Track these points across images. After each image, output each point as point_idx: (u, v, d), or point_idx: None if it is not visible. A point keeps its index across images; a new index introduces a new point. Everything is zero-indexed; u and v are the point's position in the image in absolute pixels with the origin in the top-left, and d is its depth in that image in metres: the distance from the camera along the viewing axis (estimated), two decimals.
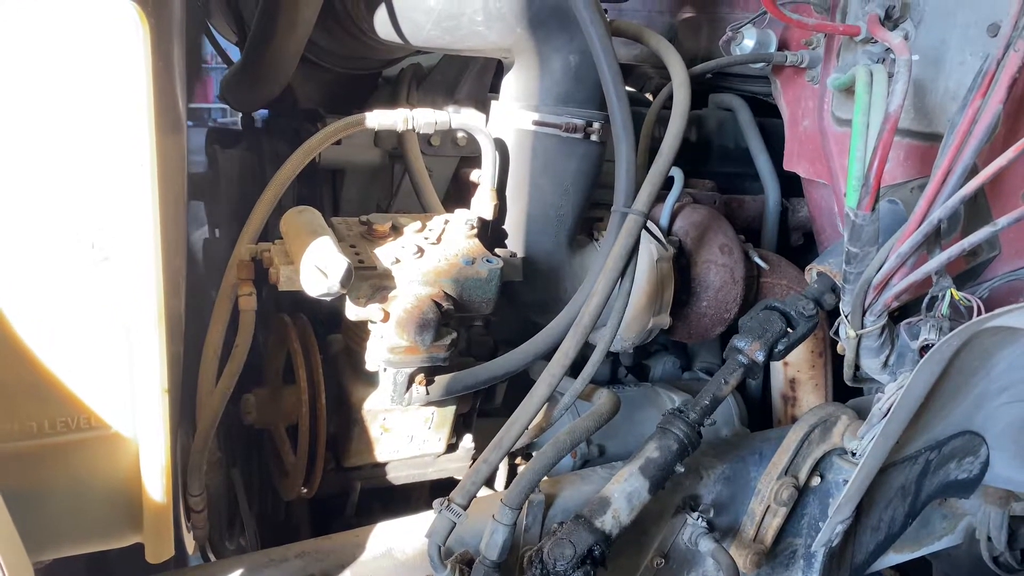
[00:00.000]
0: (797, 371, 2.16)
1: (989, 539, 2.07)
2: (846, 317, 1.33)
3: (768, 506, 1.70)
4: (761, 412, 2.29)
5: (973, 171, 1.55)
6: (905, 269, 1.23)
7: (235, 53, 2.46)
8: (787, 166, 2.03)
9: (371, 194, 1.91)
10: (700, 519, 1.66)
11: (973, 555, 2.25)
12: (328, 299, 1.26)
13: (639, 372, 2.25)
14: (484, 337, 1.81)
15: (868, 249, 1.26)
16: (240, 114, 2.18)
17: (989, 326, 1.13)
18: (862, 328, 1.32)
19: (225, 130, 2.22)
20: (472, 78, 1.95)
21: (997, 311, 1.04)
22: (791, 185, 2.23)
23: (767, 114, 2.34)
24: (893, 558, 2.20)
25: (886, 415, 1.27)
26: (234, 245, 1.46)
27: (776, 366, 2.20)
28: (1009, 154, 1.13)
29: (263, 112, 2.22)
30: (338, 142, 1.77)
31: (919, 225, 1.19)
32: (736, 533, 1.74)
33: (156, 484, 1.08)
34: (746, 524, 1.74)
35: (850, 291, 1.30)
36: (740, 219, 2.33)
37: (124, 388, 1.04)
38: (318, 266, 1.22)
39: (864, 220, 1.22)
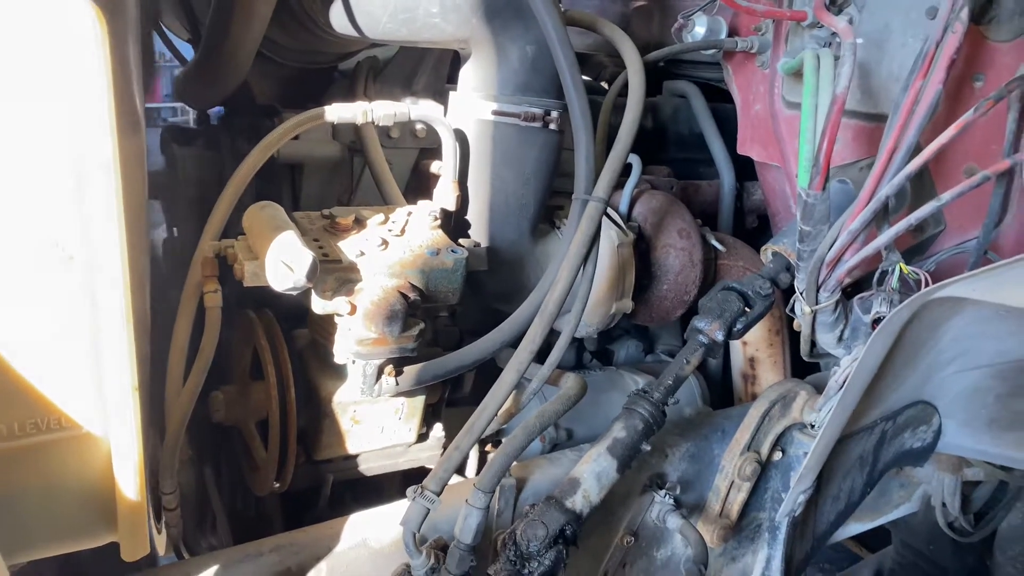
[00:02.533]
0: (756, 350, 2.22)
1: (944, 505, 2.15)
2: (801, 294, 1.38)
3: (732, 482, 1.75)
4: (722, 391, 2.34)
5: (917, 149, 1.62)
6: (856, 245, 1.28)
7: (186, 50, 2.45)
8: (740, 150, 2.08)
9: (331, 188, 1.92)
10: (667, 496, 1.70)
11: (929, 522, 2.33)
12: (294, 293, 1.26)
13: (603, 356, 2.29)
14: (450, 327, 1.83)
15: (820, 227, 1.30)
16: (193, 113, 2.17)
17: (936, 297, 1.17)
18: (816, 304, 1.36)
19: (181, 128, 2.20)
20: (429, 70, 1.96)
21: (943, 282, 1.08)
22: (745, 169, 2.29)
23: (720, 100, 2.39)
24: (853, 528, 2.27)
25: (842, 387, 1.32)
26: (194, 244, 1.45)
27: (735, 345, 2.25)
28: (950, 131, 1.18)
29: (218, 109, 2.21)
30: (296, 137, 1.78)
31: (868, 203, 1.24)
32: (702, 509, 1.79)
33: (129, 482, 1.08)
34: (711, 500, 1.79)
35: (804, 268, 1.35)
36: (696, 203, 2.37)
37: (93, 387, 1.04)
38: (284, 261, 1.22)
39: (815, 199, 1.26)
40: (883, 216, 1.33)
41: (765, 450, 1.74)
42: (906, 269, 1.31)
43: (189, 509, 1.50)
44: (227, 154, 1.91)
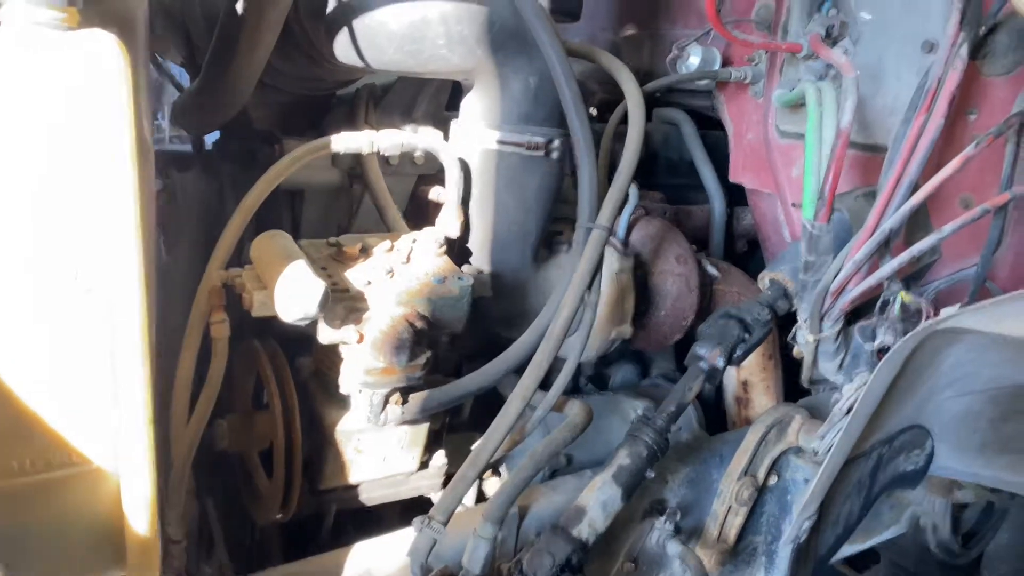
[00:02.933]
0: (749, 374, 2.24)
1: (934, 527, 2.18)
2: (804, 323, 1.40)
3: (730, 506, 1.76)
4: (715, 414, 2.36)
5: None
6: (860, 275, 1.30)
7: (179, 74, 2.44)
8: (732, 178, 2.11)
9: (331, 215, 1.92)
10: (667, 522, 1.70)
11: (919, 542, 2.35)
12: (304, 323, 1.26)
13: (598, 380, 2.29)
14: (448, 353, 1.83)
15: (824, 258, 1.32)
16: (187, 137, 2.16)
17: (941, 328, 1.20)
18: (820, 333, 1.38)
19: (178, 154, 2.19)
20: (429, 97, 1.97)
21: (950, 313, 1.11)
22: (734, 195, 2.32)
23: (709, 127, 2.43)
24: (844, 549, 2.29)
25: (847, 414, 1.33)
26: (189, 271, 1.44)
27: (729, 370, 2.27)
28: (954, 164, 1.21)
29: (213, 135, 2.20)
30: None
31: (871, 234, 1.26)
32: (700, 534, 1.79)
33: (140, 517, 1.07)
34: (709, 525, 1.79)
35: (808, 298, 1.37)
36: (688, 229, 2.40)
37: (107, 422, 1.02)
38: (294, 291, 1.22)
39: (820, 231, 1.29)
40: (885, 246, 1.35)
41: (762, 474, 1.75)
42: (907, 298, 1.34)
43: (191, 540, 1.48)
44: (225, 180, 1.90)
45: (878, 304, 1.37)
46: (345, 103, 2.06)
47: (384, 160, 1.93)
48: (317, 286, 1.23)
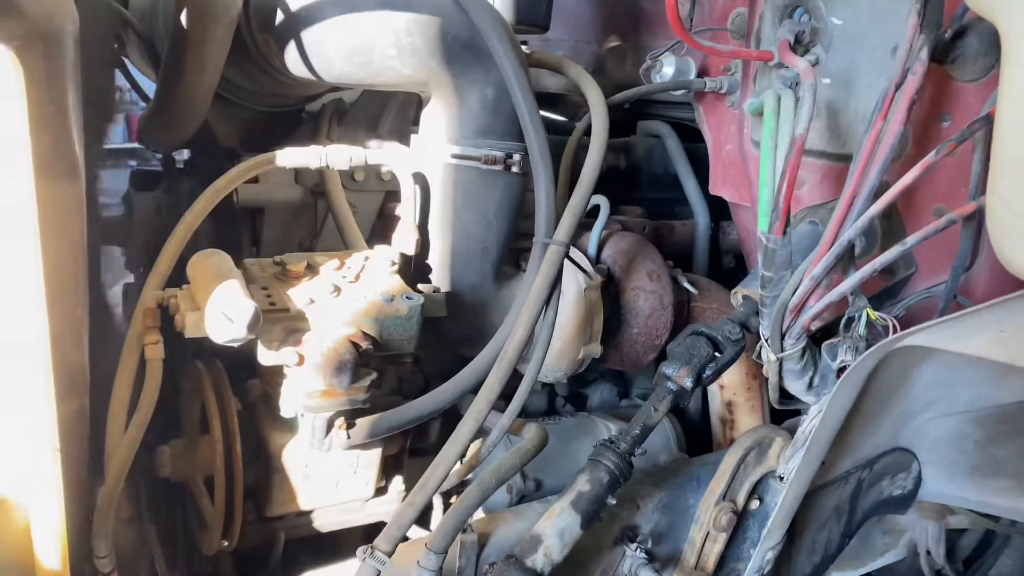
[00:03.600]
0: (733, 394, 2.16)
1: (928, 553, 2.08)
2: (766, 341, 1.33)
3: (708, 532, 1.68)
4: (701, 436, 2.28)
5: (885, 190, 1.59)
6: (820, 291, 1.23)
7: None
8: (713, 190, 2.05)
9: (293, 233, 1.87)
10: (638, 550, 1.63)
11: (917, 569, 2.26)
12: (236, 345, 1.21)
13: (577, 401, 2.23)
14: (414, 375, 1.77)
15: (782, 273, 1.26)
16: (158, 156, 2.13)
17: (903, 345, 1.13)
18: (782, 351, 1.31)
19: (145, 172, 2.16)
20: (394, 113, 1.93)
21: (907, 331, 1.04)
22: (722, 209, 2.25)
23: (694, 139, 2.37)
24: None
25: (807, 440, 1.26)
26: None
27: (713, 390, 2.20)
28: (914, 172, 1.14)
29: (185, 153, 2.17)
30: (255, 180, 1.74)
31: (831, 246, 1.20)
32: (678, 561, 1.72)
33: (50, 551, 1.02)
34: (687, 552, 1.72)
35: (768, 315, 1.30)
36: (671, 244, 2.34)
37: (9, 450, 0.98)
38: (223, 311, 1.17)
39: (776, 244, 1.22)
40: (849, 260, 1.28)
41: (741, 499, 1.67)
42: (873, 315, 1.26)
43: (131, 571, 1.43)
44: (185, 198, 1.86)
45: (843, 321, 1.29)
46: (313, 119, 2.02)
47: (350, 176, 1.89)
48: (247, 306, 1.18)
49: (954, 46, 1.33)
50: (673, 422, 2.08)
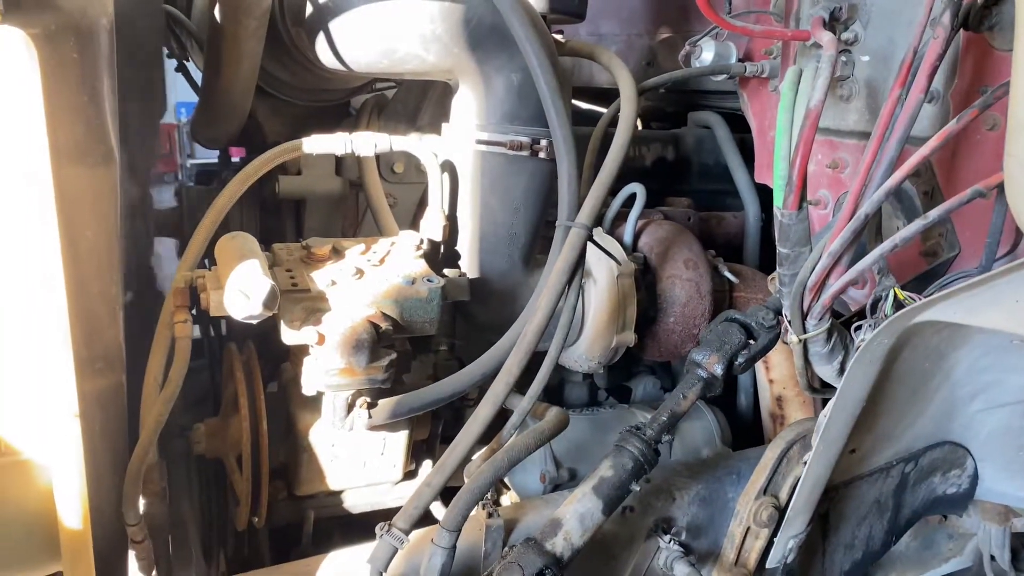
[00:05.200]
0: (783, 388, 2.09)
1: (993, 559, 1.96)
2: (788, 322, 1.28)
3: (748, 528, 1.63)
4: (753, 433, 2.22)
5: (928, 169, 1.51)
6: (840, 268, 1.18)
7: None
8: (758, 178, 1.99)
9: (334, 223, 1.92)
10: (672, 542, 1.60)
11: None
12: (254, 322, 1.25)
13: (620, 394, 2.20)
14: (449, 362, 1.79)
15: (799, 250, 1.21)
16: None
17: (924, 322, 1.07)
18: (804, 332, 1.26)
19: (204, 169, 2.26)
20: (433, 105, 1.96)
21: (917, 305, 0.99)
22: None
23: (747, 130, 2.31)
24: None
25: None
26: None
27: (763, 384, 2.13)
28: (933, 142, 1.09)
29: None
30: (298, 172, 1.79)
31: (848, 221, 1.15)
32: (716, 557, 1.68)
33: (72, 510, 1.08)
34: (726, 547, 1.67)
35: (787, 294, 1.26)
36: (720, 235, 2.29)
37: (34, 414, 1.04)
38: (241, 289, 1.21)
39: (791, 219, 1.18)
40: (875, 237, 1.23)
41: (784, 494, 1.62)
42: (902, 294, 1.21)
43: (164, 543, 1.49)
44: None
45: (869, 302, 1.24)
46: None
47: (390, 168, 1.93)
48: (263, 283, 1.22)
49: (989, 13, 1.26)
50: (718, 415, 2.03)
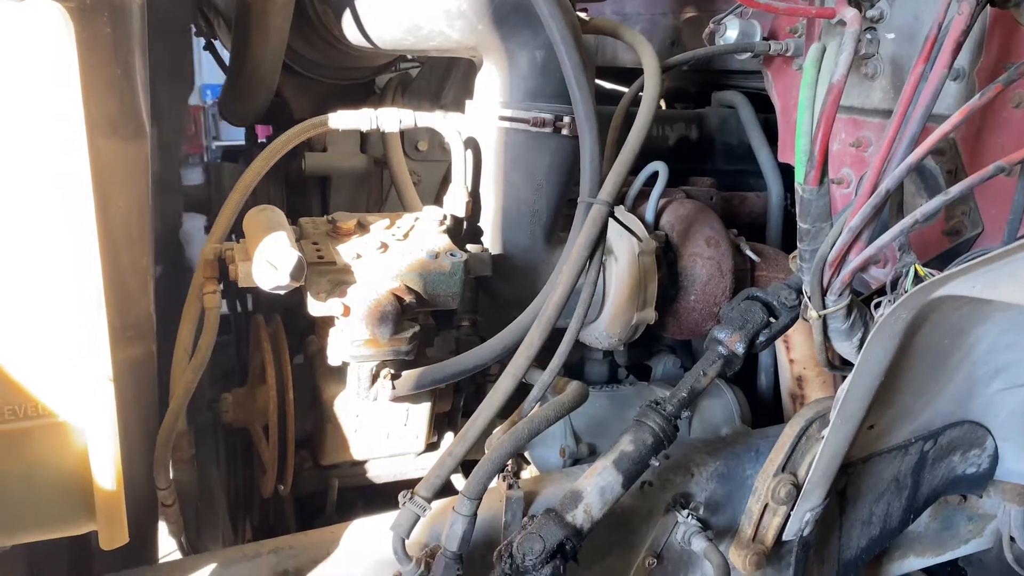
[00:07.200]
0: (804, 368, 2.10)
1: (1013, 540, 1.96)
2: (808, 298, 1.29)
3: (766, 504, 1.65)
4: (773, 413, 2.23)
5: (953, 148, 1.50)
6: (860, 244, 1.19)
7: None
8: (782, 157, 1.99)
9: (359, 199, 1.95)
10: (690, 517, 1.62)
11: (1004, 560, 2.13)
12: (282, 292, 1.28)
13: (641, 372, 2.22)
14: (471, 337, 1.81)
15: (820, 225, 1.22)
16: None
17: (944, 296, 1.08)
18: (823, 308, 1.27)
19: (232, 147, 2.29)
20: (456, 84, 1.97)
21: (935, 279, 0.99)
22: None
23: (772, 110, 2.30)
24: (914, 562, 2.10)
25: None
26: None
27: (783, 364, 2.14)
28: (955, 118, 1.09)
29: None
30: (324, 150, 1.82)
31: (868, 197, 1.15)
32: (735, 533, 1.69)
33: (106, 472, 1.11)
34: (744, 524, 1.69)
35: (807, 270, 1.26)
36: (743, 215, 2.29)
37: (70, 377, 1.07)
38: (269, 260, 1.24)
39: (812, 194, 1.19)
40: (897, 213, 1.23)
41: (803, 472, 1.63)
42: (923, 271, 1.21)
43: (193, 508, 1.53)
44: None
45: (889, 278, 1.24)
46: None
47: (414, 146, 1.95)
48: (291, 255, 1.24)
49: None
50: (737, 394, 2.04)
